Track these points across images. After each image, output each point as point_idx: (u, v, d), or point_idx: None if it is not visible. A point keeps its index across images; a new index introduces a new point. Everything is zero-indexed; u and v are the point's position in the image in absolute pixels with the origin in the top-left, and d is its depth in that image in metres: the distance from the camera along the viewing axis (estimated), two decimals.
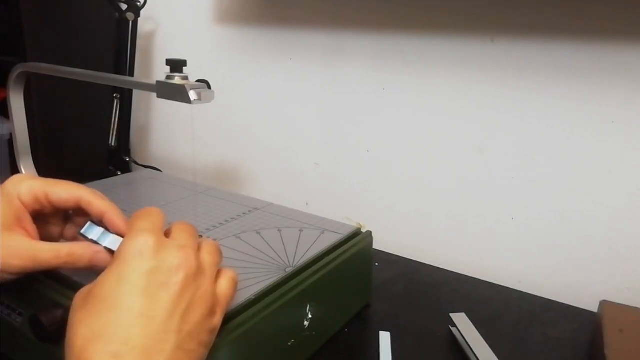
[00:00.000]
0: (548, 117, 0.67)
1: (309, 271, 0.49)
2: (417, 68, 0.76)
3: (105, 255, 0.42)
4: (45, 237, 0.44)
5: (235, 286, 0.39)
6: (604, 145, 0.65)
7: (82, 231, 0.44)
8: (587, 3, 0.62)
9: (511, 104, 0.70)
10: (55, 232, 0.46)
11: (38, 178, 0.44)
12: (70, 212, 0.47)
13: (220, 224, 0.59)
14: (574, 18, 0.63)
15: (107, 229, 0.44)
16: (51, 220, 0.45)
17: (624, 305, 0.58)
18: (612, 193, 0.65)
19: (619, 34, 0.61)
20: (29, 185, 0.42)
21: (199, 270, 0.36)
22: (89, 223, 0.44)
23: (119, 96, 0.93)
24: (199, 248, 0.38)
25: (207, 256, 0.38)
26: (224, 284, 0.38)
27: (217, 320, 0.36)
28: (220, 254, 0.40)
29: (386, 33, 0.77)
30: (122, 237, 0.43)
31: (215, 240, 0.54)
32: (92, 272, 0.44)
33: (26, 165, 0.71)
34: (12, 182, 0.43)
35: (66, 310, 0.42)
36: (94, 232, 0.43)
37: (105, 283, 0.34)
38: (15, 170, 0.71)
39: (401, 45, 0.76)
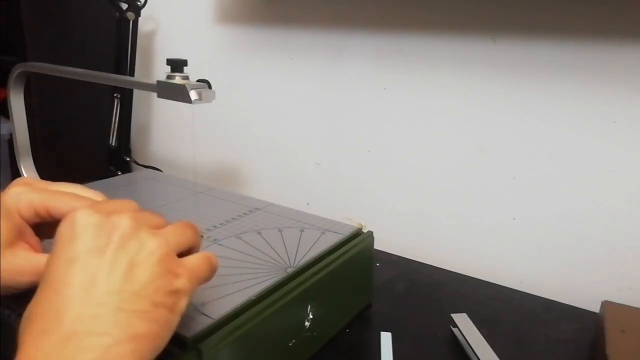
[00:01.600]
0: (549, 117, 0.67)
1: (310, 271, 0.49)
2: (418, 68, 0.76)
3: None
4: (47, 236, 0.43)
5: (209, 262, 0.37)
6: (605, 145, 0.64)
7: None
8: (589, 3, 0.62)
9: (512, 103, 0.69)
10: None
11: (38, 187, 0.42)
12: None
13: (220, 224, 0.59)
14: (576, 18, 0.63)
15: None
16: (52, 226, 0.43)
17: (626, 305, 0.58)
18: (613, 193, 0.65)
19: (621, 34, 0.61)
20: (28, 199, 0.40)
21: (137, 229, 0.34)
22: None
23: (119, 96, 0.93)
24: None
25: (170, 228, 0.36)
26: (193, 257, 0.37)
27: (182, 283, 0.34)
28: (189, 228, 0.38)
29: (387, 33, 0.77)
30: None
31: (216, 240, 0.54)
32: None
33: (26, 165, 0.71)
34: (10, 194, 0.41)
35: None
36: None
37: (53, 261, 0.33)
38: (15, 170, 0.71)
39: (402, 45, 0.76)
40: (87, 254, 0.32)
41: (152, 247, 0.33)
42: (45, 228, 0.43)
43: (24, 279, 0.39)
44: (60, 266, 0.32)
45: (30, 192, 0.41)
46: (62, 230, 0.34)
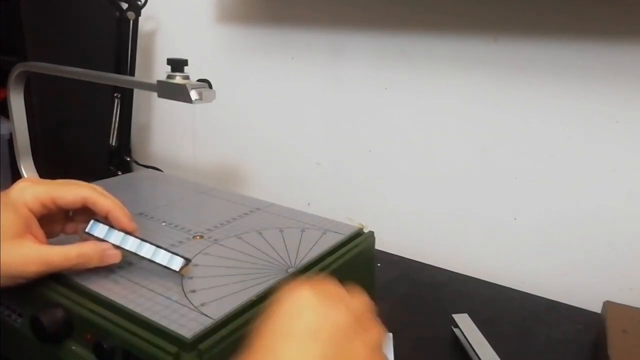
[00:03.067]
0: (550, 117, 0.67)
1: (311, 272, 0.49)
2: (419, 67, 0.76)
3: (114, 252, 0.45)
4: (47, 234, 0.45)
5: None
6: (606, 145, 0.64)
7: (86, 229, 0.46)
8: (591, 2, 0.62)
9: (513, 103, 0.69)
10: (57, 228, 0.47)
11: (41, 182, 0.45)
12: (71, 213, 0.48)
13: (221, 224, 0.58)
14: (578, 18, 0.63)
15: (111, 226, 0.46)
16: (53, 219, 0.47)
17: (628, 305, 0.58)
18: (615, 193, 0.65)
19: (622, 34, 0.61)
20: (33, 192, 0.43)
21: (349, 326, 0.34)
22: (92, 221, 0.46)
23: (119, 96, 0.93)
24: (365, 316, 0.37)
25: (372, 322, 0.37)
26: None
27: None
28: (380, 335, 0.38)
29: (388, 32, 0.77)
30: (127, 232, 0.46)
31: (216, 240, 0.54)
32: (93, 272, 0.45)
33: (26, 165, 0.71)
34: (16, 189, 0.44)
35: (66, 311, 0.42)
36: (98, 229, 0.46)
37: (268, 328, 0.34)
38: (15, 170, 0.71)
39: (403, 44, 0.76)
40: (303, 334, 0.33)
41: (359, 351, 0.34)
42: (49, 220, 0.46)
43: (31, 268, 0.41)
44: (277, 335, 0.33)
45: (35, 185, 0.44)
46: (286, 303, 0.34)
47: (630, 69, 0.61)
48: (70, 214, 0.48)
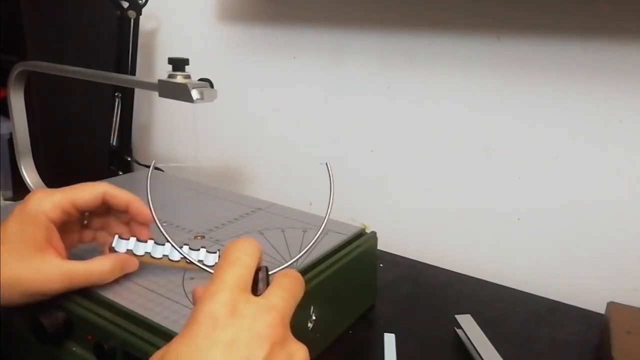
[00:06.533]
0: (555, 116, 0.67)
1: (313, 272, 0.49)
2: (422, 67, 0.75)
3: (133, 262, 0.44)
4: (65, 246, 0.44)
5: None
6: (611, 144, 0.64)
7: (113, 245, 0.45)
8: (596, 1, 0.61)
9: (517, 102, 0.69)
10: (74, 238, 0.47)
11: (56, 190, 0.44)
12: (85, 221, 0.47)
13: (223, 224, 0.58)
14: (581, 16, 0.63)
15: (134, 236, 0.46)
16: (71, 228, 0.46)
17: (631, 306, 0.58)
18: (619, 193, 0.64)
19: (626, 32, 0.60)
20: (51, 200, 0.42)
21: (287, 337, 0.31)
22: (116, 237, 0.45)
23: (120, 95, 0.92)
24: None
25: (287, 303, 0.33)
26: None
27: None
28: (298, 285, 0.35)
29: (391, 31, 0.77)
30: (150, 238, 0.46)
31: (218, 240, 0.53)
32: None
33: (26, 165, 0.71)
34: (33, 201, 0.42)
35: (66, 312, 0.42)
36: (123, 244, 0.45)
37: (179, 353, 0.28)
38: (15, 170, 0.71)
39: (406, 43, 0.76)
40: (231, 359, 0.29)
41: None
42: (67, 230, 0.44)
43: (54, 286, 0.39)
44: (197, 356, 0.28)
45: (51, 194, 0.43)
46: (203, 313, 0.30)
47: (634, 68, 0.61)
48: (85, 222, 0.47)
